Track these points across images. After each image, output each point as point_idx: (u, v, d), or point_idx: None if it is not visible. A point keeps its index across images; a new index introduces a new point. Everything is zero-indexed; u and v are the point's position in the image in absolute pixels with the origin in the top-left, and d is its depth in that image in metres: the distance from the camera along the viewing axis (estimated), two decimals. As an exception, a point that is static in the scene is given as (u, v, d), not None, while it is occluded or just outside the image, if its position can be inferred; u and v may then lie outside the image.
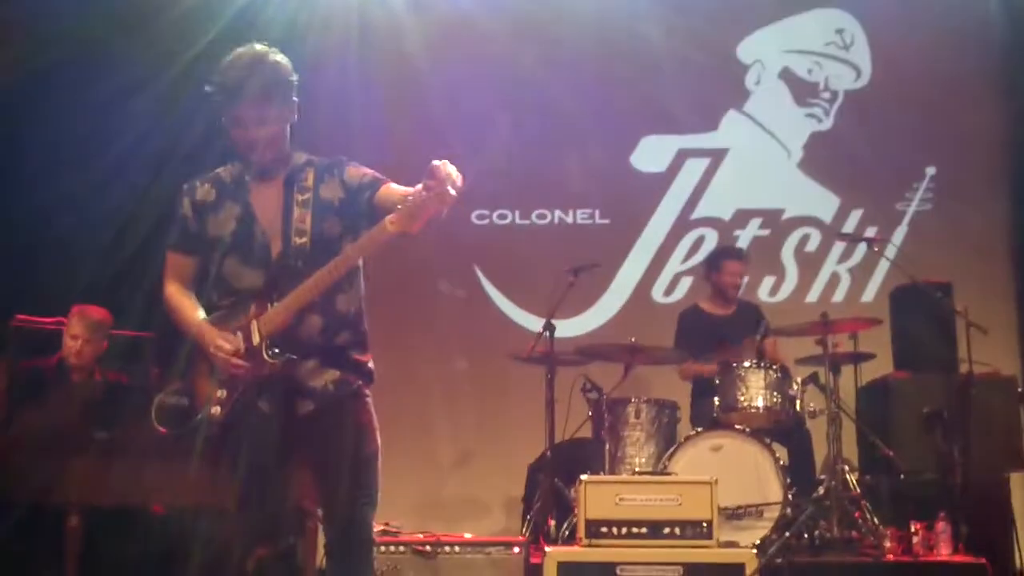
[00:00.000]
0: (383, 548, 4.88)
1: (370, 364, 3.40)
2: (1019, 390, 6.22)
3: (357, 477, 3.30)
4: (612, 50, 7.68)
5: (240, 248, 3.32)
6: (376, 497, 3.34)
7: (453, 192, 2.98)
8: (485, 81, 7.54)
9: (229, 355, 3.21)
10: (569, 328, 6.91)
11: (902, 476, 5.83)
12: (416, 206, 2.99)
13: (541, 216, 7.78)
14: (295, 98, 3.34)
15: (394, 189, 3.26)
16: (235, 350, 3.21)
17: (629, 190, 7.83)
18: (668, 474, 5.48)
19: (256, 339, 3.22)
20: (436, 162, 3.00)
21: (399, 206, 3.02)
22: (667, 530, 4.90)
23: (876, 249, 6.92)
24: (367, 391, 3.38)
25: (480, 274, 7.68)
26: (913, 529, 5.27)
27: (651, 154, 7.86)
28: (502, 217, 7.78)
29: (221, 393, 3.25)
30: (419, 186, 3.01)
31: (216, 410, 3.24)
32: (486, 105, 7.44)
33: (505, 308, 7.64)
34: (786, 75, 7.99)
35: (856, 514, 5.55)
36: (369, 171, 3.40)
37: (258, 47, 3.32)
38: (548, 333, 6.00)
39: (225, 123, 3.28)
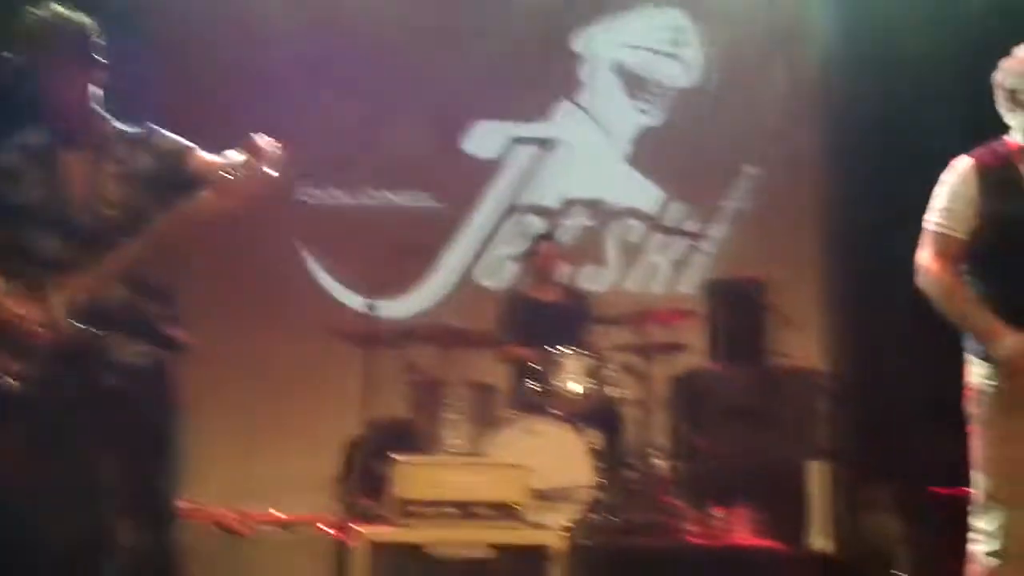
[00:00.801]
0: (188, 525, 4.78)
1: (180, 337, 3.34)
2: (821, 383, 6.51)
3: (162, 452, 3.23)
4: (448, 34, 7.67)
5: (45, 217, 3.18)
6: (182, 473, 3.28)
7: (270, 170, 2.94)
8: (316, 57, 7.44)
9: (28, 324, 3.10)
10: (392, 309, 6.89)
11: (709, 463, 6.02)
12: (232, 182, 2.94)
13: (369, 196, 7.74)
14: (101, 61, 3.22)
15: (209, 160, 3.17)
16: (35, 319, 3.10)
17: (459, 174, 7.85)
18: (482, 456, 5.54)
19: (59, 310, 3.12)
20: (253, 136, 2.96)
21: (213, 181, 2.97)
22: (479, 511, 4.94)
23: (695, 243, 7.12)
24: (175, 364, 3.31)
25: (304, 252, 7.61)
26: (715, 514, 5.45)
27: (483, 140, 7.90)
28: (329, 196, 7.72)
29: (18, 365, 3.14)
30: (235, 161, 2.97)
31: (9, 382, 3.13)
32: (316, 82, 7.34)
33: (328, 287, 7.59)
34: (619, 69, 8.13)
35: (663, 498, 5.71)
36: (182, 141, 3.30)
37: (58, 7, 3.18)
38: (371, 313, 5.99)
39: (28, 88, 3.15)
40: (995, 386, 3.26)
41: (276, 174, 2.96)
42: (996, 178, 3.31)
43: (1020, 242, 3.25)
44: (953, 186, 3.35)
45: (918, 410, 6.54)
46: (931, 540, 5.60)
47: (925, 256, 3.36)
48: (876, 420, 6.98)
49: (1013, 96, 3.35)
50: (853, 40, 7.59)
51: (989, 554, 3.24)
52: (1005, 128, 3.43)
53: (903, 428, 6.55)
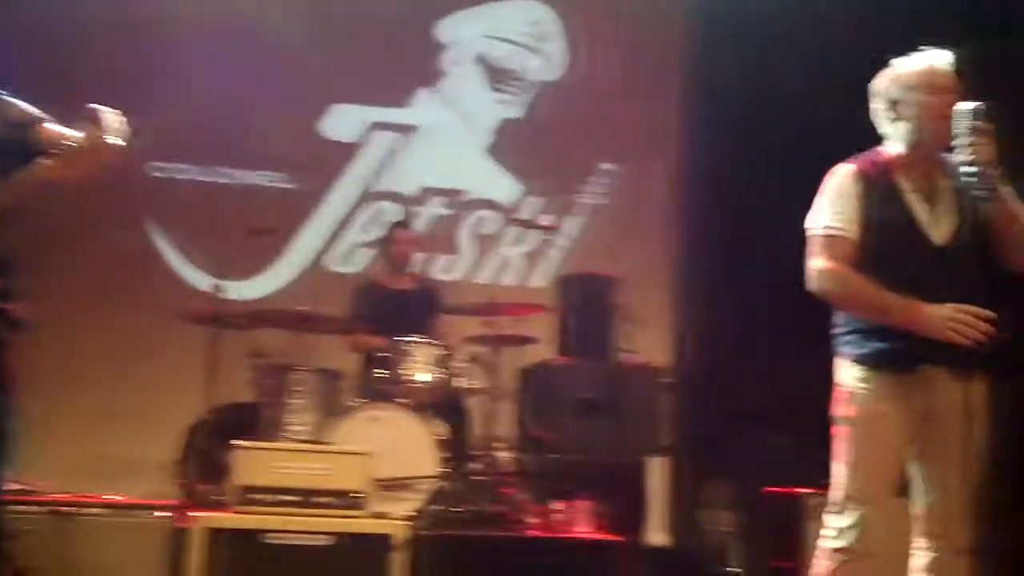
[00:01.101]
0: (17, 508, 4.62)
1: (19, 313, 3.22)
2: (665, 381, 6.65)
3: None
4: (310, 14, 7.56)
5: None
6: (12, 453, 3.17)
7: (114, 141, 2.86)
8: (172, 33, 7.24)
9: None
10: (241, 290, 6.76)
11: (552, 456, 6.09)
12: (73, 152, 2.85)
13: (222, 174, 7.59)
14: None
15: (59, 132, 3.07)
16: None
17: (316, 157, 7.75)
18: (325, 443, 5.49)
19: None
20: (94, 107, 2.87)
21: (54, 150, 2.88)
22: (319, 499, 4.90)
23: (549, 237, 7.17)
24: (13, 341, 3.20)
25: (152, 228, 7.42)
26: (556, 507, 5.51)
27: (341, 123, 7.81)
28: (180, 171, 7.54)
29: None
30: (77, 131, 2.88)
31: None
32: (171, 55, 7.16)
33: (176, 265, 7.41)
34: (482, 60, 8.15)
35: (506, 490, 5.75)
36: (33, 111, 3.20)
37: None
38: (218, 294, 5.88)
39: None
40: (866, 387, 3.35)
41: (121, 144, 2.88)
42: (876, 185, 3.39)
43: (898, 248, 3.34)
44: (838, 190, 3.41)
45: (757, 410, 6.74)
46: (764, 536, 5.78)
47: (821, 260, 3.39)
48: (716, 418, 7.16)
49: (895, 106, 3.42)
50: (715, 41, 7.74)
51: (838, 550, 3.33)
52: (872, 134, 3.52)
53: (741, 427, 6.72)
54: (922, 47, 3.45)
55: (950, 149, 3.28)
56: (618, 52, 7.97)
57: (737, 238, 7.37)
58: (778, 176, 6.46)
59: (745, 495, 6.11)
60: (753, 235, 7.24)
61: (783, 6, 7.14)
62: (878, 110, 3.49)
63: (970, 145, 3.19)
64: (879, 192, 3.38)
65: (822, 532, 3.41)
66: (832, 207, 3.40)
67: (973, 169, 3.18)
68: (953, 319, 3.17)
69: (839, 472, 3.37)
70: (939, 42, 3.47)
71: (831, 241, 3.37)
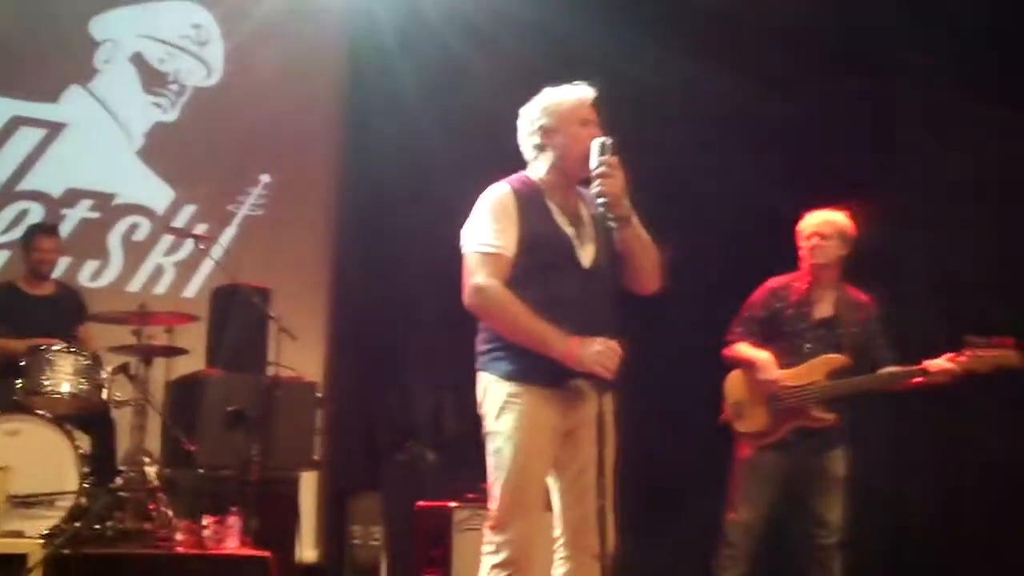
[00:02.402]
0: None
1: None
2: (318, 395, 6.67)
3: None
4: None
5: None
6: None
7: None
8: None
9: None
10: None
11: (202, 471, 5.96)
12: None
13: None
14: None
15: None
16: None
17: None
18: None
19: None
20: None
21: None
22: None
23: (203, 247, 7.01)
24: None
25: None
26: (205, 522, 5.40)
27: (-21, 114, 7.34)
28: None
29: None
30: None
31: None
32: None
33: None
34: (137, 60, 7.87)
35: (152, 506, 5.56)
36: None
37: None
38: None
39: None
40: (517, 403, 3.41)
41: None
42: (530, 206, 3.51)
43: (552, 268, 3.47)
44: (494, 209, 3.49)
45: (408, 425, 6.89)
46: (413, 550, 5.90)
47: (478, 277, 3.43)
48: (367, 433, 7.25)
49: (544, 133, 3.57)
50: (373, 56, 7.86)
51: (496, 565, 3.39)
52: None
53: (392, 442, 6.85)
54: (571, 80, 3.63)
55: (588, 179, 3.46)
56: (278, 62, 7.90)
57: (393, 253, 7.52)
58: (436, 191, 6.65)
59: (395, 509, 6.23)
60: (409, 250, 7.41)
61: (437, 27, 7.39)
62: (526, 135, 3.64)
63: (601, 177, 3.39)
64: (533, 213, 3.51)
65: (483, 547, 3.46)
66: (488, 225, 3.47)
67: (603, 200, 3.39)
68: (601, 354, 3.33)
69: (493, 488, 3.44)
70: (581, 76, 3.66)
71: (488, 259, 3.44)
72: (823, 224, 4.99)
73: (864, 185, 5.87)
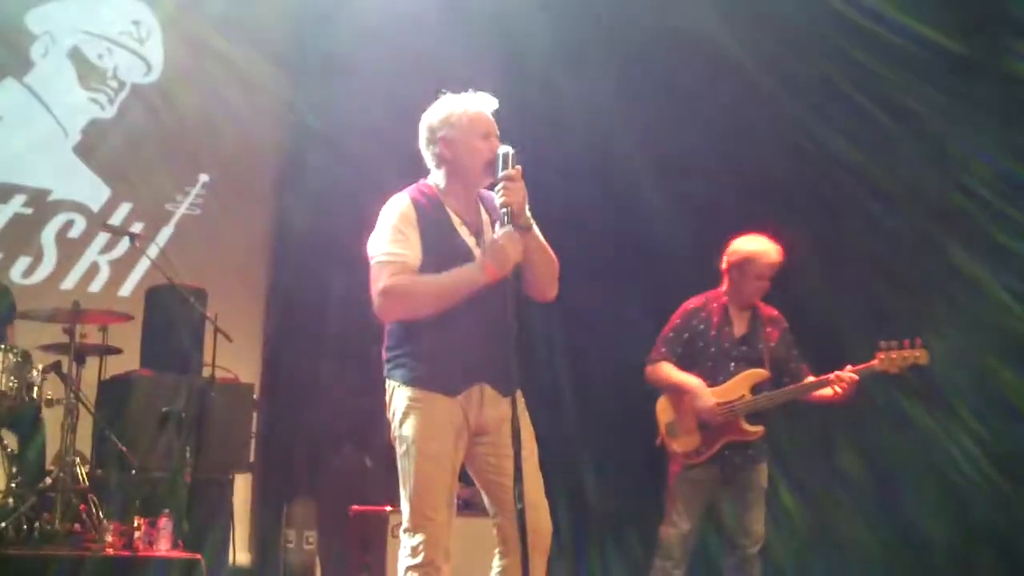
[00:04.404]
0: None
1: None
2: (254, 397, 6.60)
3: None
4: None
5: None
6: None
7: None
8: None
9: None
10: None
11: (134, 472, 5.87)
12: None
13: None
14: None
15: None
16: None
17: None
18: None
19: None
20: None
21: None
22: None
23: (138, 245, 6.90)
24: None
25: None
26: (136, 524, 5.32)
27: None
28: None
29: None
30: None
31: None
32: None
33: None
34: (75, 55, 7.75)
35: (82, 507, 5.47)
36: None
37: None
38: None
39: None
40: (419, 408, 3.47)
41: None
42: (430, 214, 3.56)
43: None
44: (398, 219, 3.54)
45: (344, 429, 6.84)
46: (347, 554, 5.87)
47: (383, 281, 3.46)
48: (303, 436, 7.19)
49: (443, 143, 3.61)
50: (319, 54, 7.81)
51: (411, 567, 3.42)
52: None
53: (327, 446, 6.80)
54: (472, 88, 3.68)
55: (491, 187, 3.53)
56: (219, 61, 7.82)
57: (328, 257, 7.46)
58: (375, 194, 6.59)
59: (330, 513, 6.18)
60: (344, 254, 7.34)
61: (379, 27, 7.38)
62: (426, 144, 3.68)
63: (504, 187, 3.46)
64: (434, 221, 3.57)
65: (400, 551, 3.49)
66: (391, 234, 3.52)
67: (506, 209, 3.45)
68: (502, 237, 3.41)
69: (403, 492, 3.49)
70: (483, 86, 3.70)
71: (392, 267, 3.49)
72: (747, 249, 5.09)
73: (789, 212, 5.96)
